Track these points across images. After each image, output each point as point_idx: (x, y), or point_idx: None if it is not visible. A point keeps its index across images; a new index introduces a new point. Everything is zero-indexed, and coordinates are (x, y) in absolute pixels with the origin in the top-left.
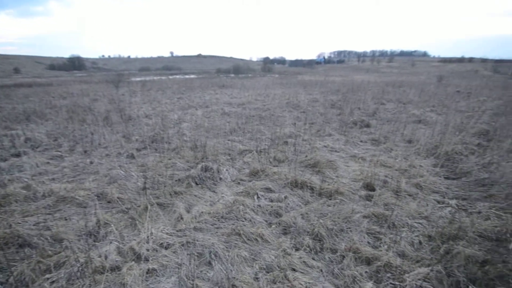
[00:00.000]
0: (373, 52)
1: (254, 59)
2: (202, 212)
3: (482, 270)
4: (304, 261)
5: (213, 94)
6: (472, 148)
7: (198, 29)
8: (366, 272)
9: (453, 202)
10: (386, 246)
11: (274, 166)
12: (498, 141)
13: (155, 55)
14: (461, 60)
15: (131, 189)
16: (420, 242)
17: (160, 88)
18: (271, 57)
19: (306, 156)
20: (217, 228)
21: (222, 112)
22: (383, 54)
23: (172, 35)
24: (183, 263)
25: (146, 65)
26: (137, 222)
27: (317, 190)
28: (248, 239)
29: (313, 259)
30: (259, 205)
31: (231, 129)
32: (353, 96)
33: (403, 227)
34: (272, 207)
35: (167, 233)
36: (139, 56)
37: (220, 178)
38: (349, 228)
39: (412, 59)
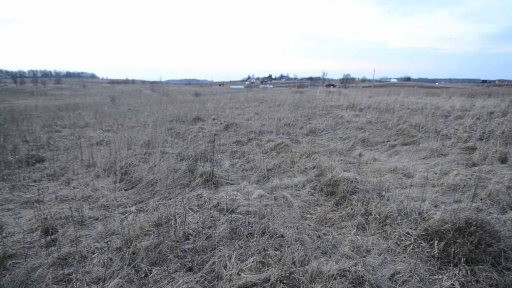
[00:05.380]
0: (34, 72)
1: None
2: None
3: (157, 251)
4: None
5: None
6: (141, 157)
7: None
8: None
9: (133, 208)
10: (78, 283)
11: None
12: (154, 147)
13: None
14: (126, 81)
15: None
16: (110, 259)
17: None
18: None
19: None
20: None
21: None
22: (46, 74)
23: None
24: None
25: None
26: None
27: None
28: None
29: None
30: None
31: None
32: (14, 127)
33: (93, 254)
34: None
35: None
36: None
37: None
38: None
39: (82, 80)
